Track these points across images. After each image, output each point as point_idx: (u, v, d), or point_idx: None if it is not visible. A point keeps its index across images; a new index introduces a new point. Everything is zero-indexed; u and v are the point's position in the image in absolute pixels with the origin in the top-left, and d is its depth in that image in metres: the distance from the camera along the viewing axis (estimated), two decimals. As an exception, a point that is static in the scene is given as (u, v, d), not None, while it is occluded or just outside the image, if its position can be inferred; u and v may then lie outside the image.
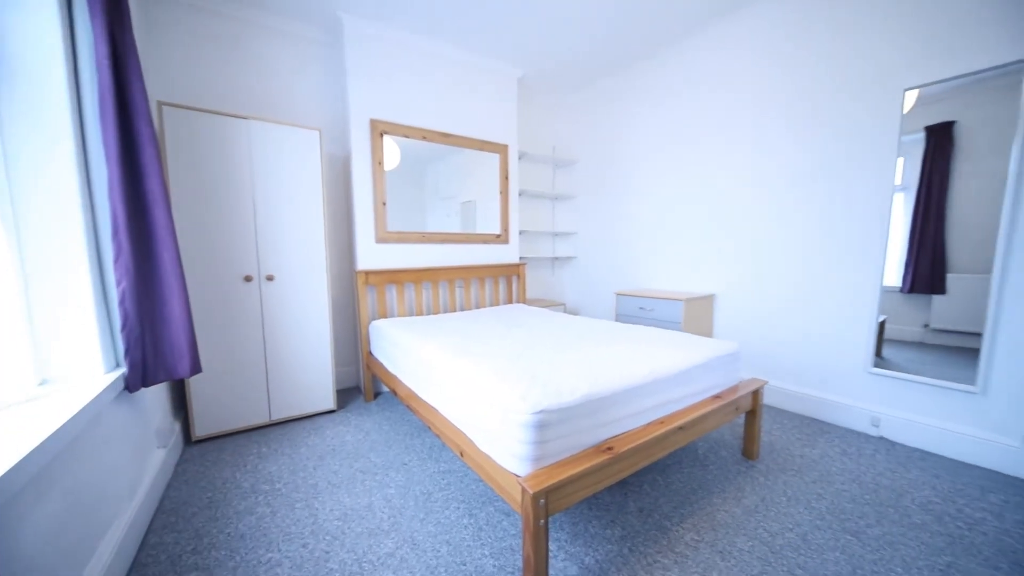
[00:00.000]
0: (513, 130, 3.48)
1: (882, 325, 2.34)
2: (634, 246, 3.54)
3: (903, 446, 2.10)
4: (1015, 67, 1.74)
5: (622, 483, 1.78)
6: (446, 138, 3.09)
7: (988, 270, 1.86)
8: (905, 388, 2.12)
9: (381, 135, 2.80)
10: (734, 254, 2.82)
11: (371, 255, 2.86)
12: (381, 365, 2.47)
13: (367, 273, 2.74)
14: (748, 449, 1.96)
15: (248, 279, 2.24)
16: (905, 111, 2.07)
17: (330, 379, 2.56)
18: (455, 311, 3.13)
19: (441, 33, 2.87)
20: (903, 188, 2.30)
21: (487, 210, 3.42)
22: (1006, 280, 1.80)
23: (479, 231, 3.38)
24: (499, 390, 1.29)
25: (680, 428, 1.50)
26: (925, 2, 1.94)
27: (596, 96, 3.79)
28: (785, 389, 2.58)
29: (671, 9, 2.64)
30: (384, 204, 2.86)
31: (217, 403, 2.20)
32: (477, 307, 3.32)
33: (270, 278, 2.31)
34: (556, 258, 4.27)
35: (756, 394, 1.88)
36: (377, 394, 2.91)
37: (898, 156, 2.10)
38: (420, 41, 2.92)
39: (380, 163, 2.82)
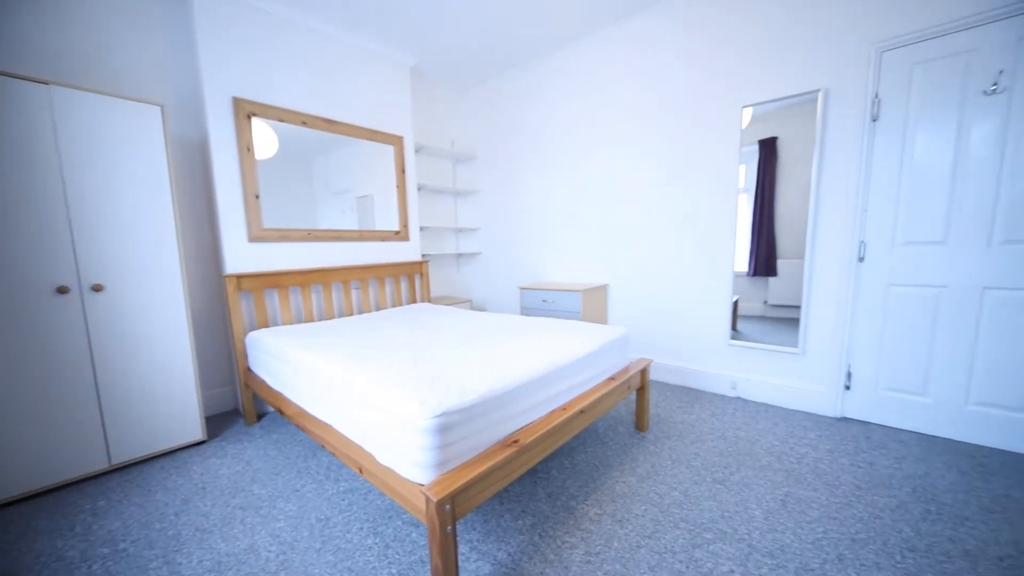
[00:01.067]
0: (408, 121, 3.32)
1: (736, 304, 2.82)
2: (536, 241, 3.67)
3: (754, 402, 2.54)
4: (811, 96, 2.20)
5: (531, 471, 1.82)
6: (331, 125, 2.81)
7: (803, 256, 2.33)
8: (752, 354, 2.56)
9: (248, 117, 2.43)
10: (623, 247, 3.09)
11: (244, 256, 2.47)
12: (263, 382, 2.16)
13: (239, 277, 2.36)
14: (640, 422, 2.17)
15: (63, 290, 1.75)
16: (744, 126, 2.48)
17: (195, 405, 2.15)
18: (352, 315, 2.89)
19: (318, 8, 2.58)
20: (745, 190, 2.79)
21: (385, 206, 3.22)
22: (813, 264, 2.29)
23: (378, 228, 3.17)
24: (397, 397, 1.21)
25: (581, 412, 1.59)
26: (758, 31, 2.34)
27: (494, 92, 3.82)
28: (667, 365, 2.93)
29: (559, 12, 2.77)
30: (257, 197, 2.49)
31: (22, 454, 1.69)
32: (377, 309, 3.11)
33: (97, 288, 1.83)
34: (461, 255, 4.23)
35: (643, 372, 2.09)
36: (261, 415, 2.54)
37: (740, 164, 2.51)
38: (293, 13, 2.60)
39: (249, 149, 2.44)
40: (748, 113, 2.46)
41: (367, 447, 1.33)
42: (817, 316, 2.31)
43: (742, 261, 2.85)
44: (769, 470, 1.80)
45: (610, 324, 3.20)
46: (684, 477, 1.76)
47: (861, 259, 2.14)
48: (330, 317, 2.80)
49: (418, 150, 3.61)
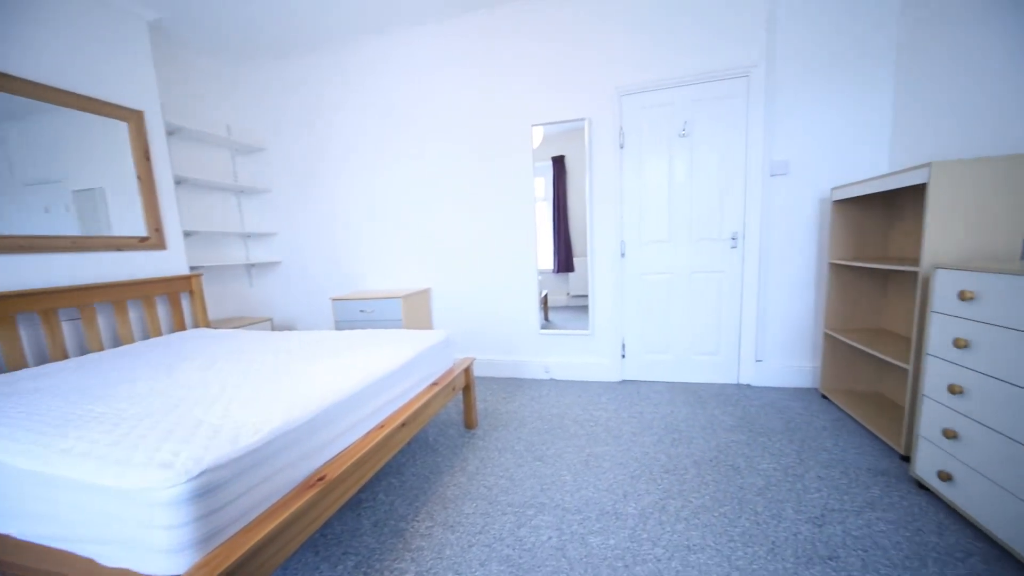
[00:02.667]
0: (152, 93, 2.53)
1: (546, 298, 3.22)
2: (351, 246, 3.35)
3: (564, 381, 2.94)
4: (580, 123, 2.68)
5: (353, 503, 1.62)
6: (7, 81, 1.89)
7: (587, 254, 2.82)
8: (558, 340, 2.96)
9: None
10: (443, 250, 3.12)
11: None
12: None
13: None
14: (468, 420, 2.22)
15: None
16: (538, 143, 2.84)
17: None
18: (70, 357, 2.00)
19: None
20: (546, 199, 3.23)
21: (125, 203, 2.37)
22: (594, 260, 2.80)
23: (115, 233, 2.30)
24: (123, 468, 0.86)
25: (403, 425, 1.49)
26: (543, 63, 2.70)
27: (288, 74, 3.29)
28: (493, 360, 3.10)
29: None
30: None
31: None
32: (118, 345, 2.26)
33: None
34: (253, 265, 3.50)
35: (467, 371, 2.14)
36: None
37: (536, 175, 2.86)
38: None
39: None
40: (540, 132, 2.83)
41: (78, 550, 0.91)
42: (599, 303, 2.83)
43: (548, 260, 3.29)
44: (576, 437, 2.09)
45: (435, 328, 3.19)
46: (509, 463, 1.87)
47: (623, 255, 2.74)
48: (20, 368, 1.87)
49: (173, 132, 2.80)
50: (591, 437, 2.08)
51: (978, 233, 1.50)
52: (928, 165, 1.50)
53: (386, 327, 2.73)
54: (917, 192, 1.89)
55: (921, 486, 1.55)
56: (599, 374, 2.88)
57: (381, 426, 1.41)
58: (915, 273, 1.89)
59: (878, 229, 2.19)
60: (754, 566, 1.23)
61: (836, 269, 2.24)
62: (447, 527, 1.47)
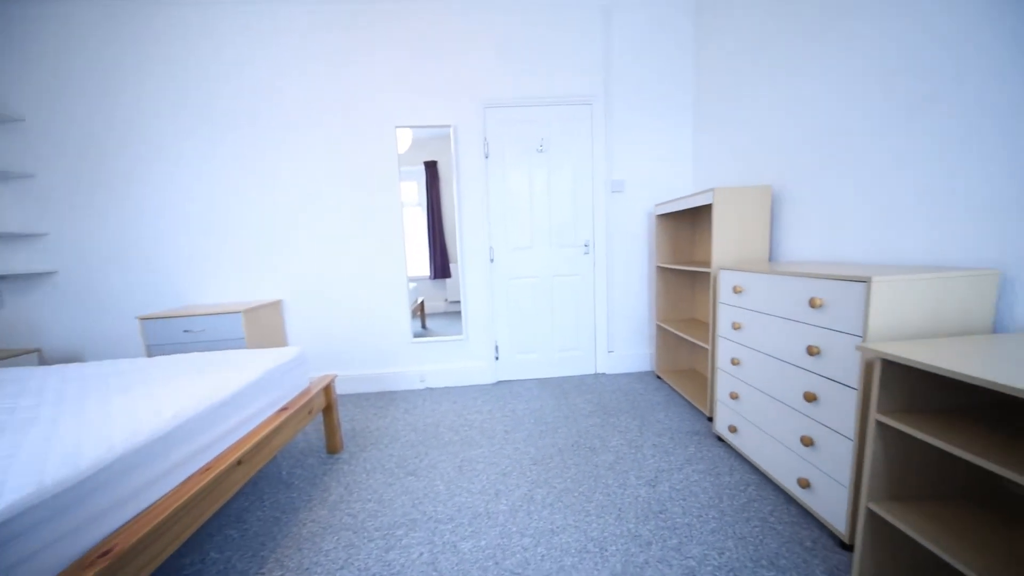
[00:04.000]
0: None
1: (422, 304, 3.13)
2: (169, 251, 2.72)
3: (440, 388, 2.89)
4: (447, 129, 2.70)
5: (168, 570, 1.30)
6: None
7: (458, 260, 2.85)
8: (433, 347, 2.91)
9: None
10: (299, 257, 2.77)
11: None
12: None
13: None
14: (331, 444, 2.00)
15: None
16: (406, 147, 2.75)
17: None
18: None
19: None
20: (419, 204, 3.15)
21: None
22: (465, 266, 2.84)
23: None
24: None
25: (240, 463, 1.26)
26: (409, 68, 2.63)
27: (73, 15, 2.50)
28: (362, 375, 2.87)
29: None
30: None
31: None
32: None
33: None
34: (5, 277, 2.57)
35: (327, 390, 1.93)
36: None
37: (403, 180, 2.77)
38: None
39: None
40: (407, 135, 2.75)
41: None
42: (472, 307, 2.88)
43: (424, 266, 3.21)
44: (451, 444, 2.07)
45: (289, 344, 2.81)
46: (379, 484, 1.75)
47: (492, 260, 2.84)
48: None
49: None
50: (466, 442, 2.09)
51: (744, 242, 1.99)
52: (712, 190, 1.94)
53: (223, 347, 2.29)
54: (708, 210, 2.43)
55: (720, 439, 1.97)
56: (475, 378, 2.92)
57: (206, 469, 1.16)
58: (708, 273, 2.43)
59: (688, 238, 2.74)
60: (605, 533, 1.39)
61: (661, 271, 2.72)
62: (302, 571, 1.29)
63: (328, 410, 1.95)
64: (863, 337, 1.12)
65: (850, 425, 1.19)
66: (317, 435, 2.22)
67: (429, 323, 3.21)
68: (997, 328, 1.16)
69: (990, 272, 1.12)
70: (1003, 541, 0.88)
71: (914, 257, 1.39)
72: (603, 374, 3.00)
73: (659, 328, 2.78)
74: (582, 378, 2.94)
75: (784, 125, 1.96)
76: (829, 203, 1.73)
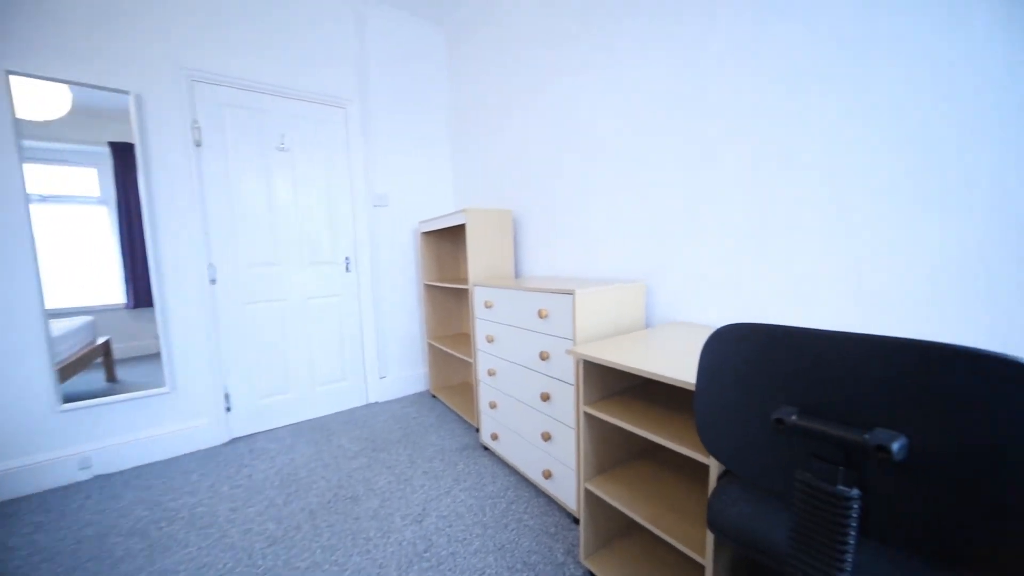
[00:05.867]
0: None
1: (108, 346, 2.03)
2: None
3: (119, 473, 1.95)
4: (122, 97, 1.91)
5: None
6: None
7: (153, 282, 2.03)
8: (109, 412, 1.95)
9: None
10: None
11: None
12: None
13: None
14: None
15: None
16: (60, 113, 1.77)
17: None
18: None
19: None
20: (103, 202, 2.05)
21: None
22: (164, 289, 2.05)
23: None
24: None
25: None
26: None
27: None
28: (-72, 488, 1.62)
29: None
30: None
31: None
32: None
33: None
34: None
35: None
36: None
37: (83, 166, 1.79)
38: None
39: None
40: (63, 96, 1.77)
41: None
42: (183, 345, 2.10)
43: (118, 291, 2.11)
44: (126, 560, 1.37)
45: None
46: None
47: (213, 281, 2.16)
48: None
49: None
50: (157, 548, 1.43)
51: (495, 259, 2.17)
52: (464, 210, 2.04)
53: None
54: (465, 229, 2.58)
55: (486, 448, 2.05)
56: (190, 443, 2.13)
57: None
58: (467, 289, 2.57)
59: (452, 255, 2.83)
60: (358, 608, 1.16)
61: (429, 289, 2.70)
62: None
63: None
64: (574, 341, 1.33)
65: (572, 417, 1.39)
66: None
67: (124, 372, 2.14)
68: (647, 324, 1.60)
69: (640, 283, 1.53)
70: (666, 492, 1.15)
71: (608, 273, 1.80)
72: (375, 403, 2.73)
73: (431, 346, 2.75)
74: (351, 412, 2.59)
75: (520, 158, 2.26)
76: (552, 227, 2.07)
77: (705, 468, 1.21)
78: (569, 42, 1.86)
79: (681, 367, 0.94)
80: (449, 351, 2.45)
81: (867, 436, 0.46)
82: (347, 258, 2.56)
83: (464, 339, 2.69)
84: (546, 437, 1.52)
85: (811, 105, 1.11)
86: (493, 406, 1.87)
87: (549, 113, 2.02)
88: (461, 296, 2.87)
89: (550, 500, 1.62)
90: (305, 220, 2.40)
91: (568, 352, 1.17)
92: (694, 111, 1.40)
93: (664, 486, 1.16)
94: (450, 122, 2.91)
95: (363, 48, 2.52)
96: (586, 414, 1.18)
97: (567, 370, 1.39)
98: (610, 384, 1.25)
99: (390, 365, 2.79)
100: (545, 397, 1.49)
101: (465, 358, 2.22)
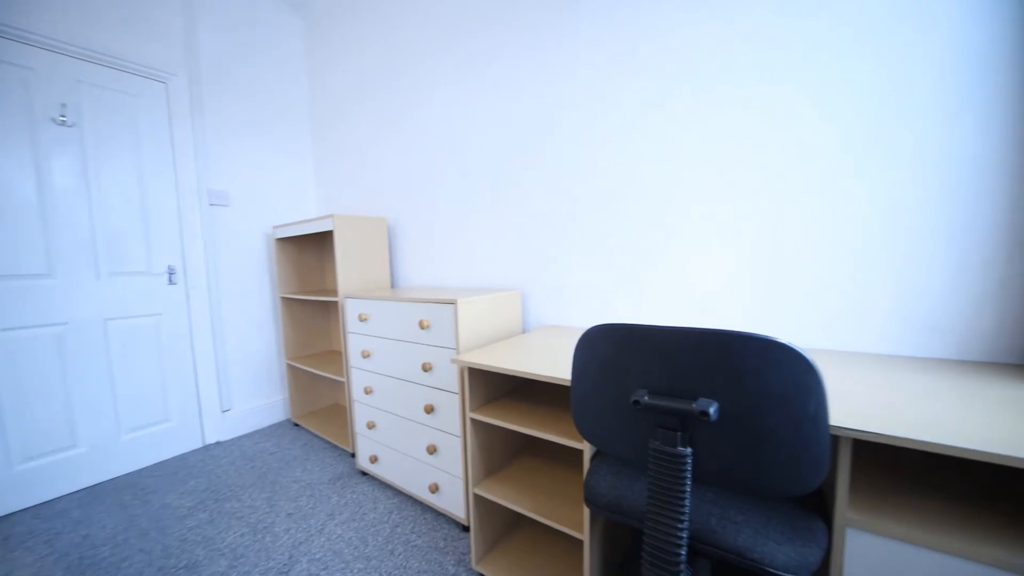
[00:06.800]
0: None
1: None
2: None
3: None
4: None
5: None
6: None
7: None
8: None
9: None
10: None
11: None
12: None
13: None
14: None
15: None
16: None
17: None
18: None
19: None
20: None
21: None
22: None
23: None
24: None
25: None
26: None
27: None
28: None
29: None
30: None
31: None
32: None
33: None
34: None
35: None
36: None
37: None
38: None
39: None
40: None
41: None
42: None
43: None
44: None
45: None
46: None
47: (-68, 304, 1.49)
48: None
49: None
50: None
51: (368, 269, 2.04)
52: (332, 216, 1.87)
53: None
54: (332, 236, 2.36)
55: (364, 473, 1.89)
56: None
57: None
58: (336, 302, 2.36)
59: (317, 265, 2.55)
60: None
61: (287, 302, 2.37)
62: None
63: None
64: (456, 350, 1.34)
65: (458, 426, 1.39)
66: None
67: None
68: (524, 329, 1.72)
69: (516, 291, 1.64)
70: (548, 483, 1.25)
71: (485, 282, 1.86)
72: (216, 443, 2.26)
73: (290, 367, 2.41)
74: (180, 460, 2.08)
75: (395, 166, 2.18)
76: (430, 237, 2.06)
77: (580, 453, 1.36)
78: (444, 50, 1.89)
79: (556, 366, 1.04)
80: (314, 371, 2.19)
81: (694, 405, 0.59)
82: (170, 267, 2.06)
83: (332, 357, 2.44)
84: (431, 450, 1.49)
85: (654, 130, 1.37)
86: (371, 426, 1.74)
87: (426, 125, 2.00)
88: (328, 310, 2.60)
89: (438, 514, 1.59)
90: (103, 218, 1.84)
91: (453, 361, 1.18)
92: (561, 132, 1.57)
93: (545, 478, 1.26)
94: (313, 121, 2.62)
95: (190, 14, 2.09)
96: (472, 420, 1.21)
97: (451, 379, 1.39)
98: (493, 389, 1.30)
99: (235, 395, 2.34)
100: (429, 409, 1.46)
101: (335, 377, 2.02)
